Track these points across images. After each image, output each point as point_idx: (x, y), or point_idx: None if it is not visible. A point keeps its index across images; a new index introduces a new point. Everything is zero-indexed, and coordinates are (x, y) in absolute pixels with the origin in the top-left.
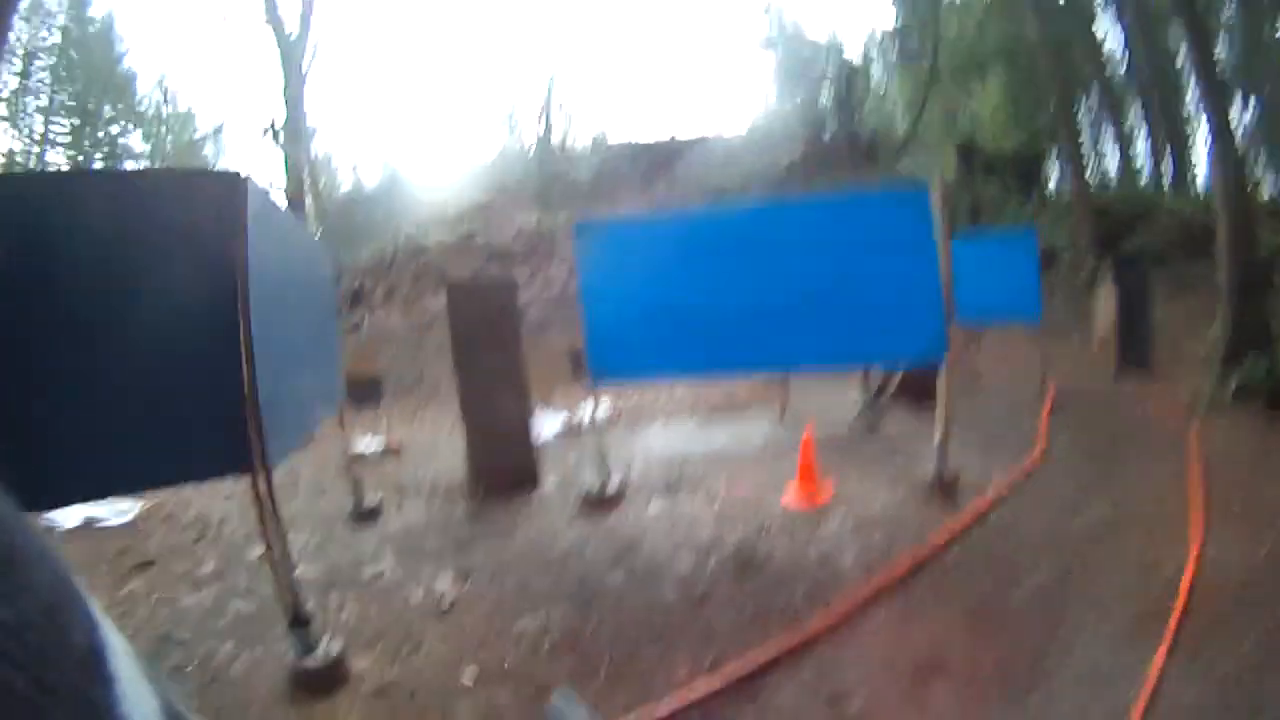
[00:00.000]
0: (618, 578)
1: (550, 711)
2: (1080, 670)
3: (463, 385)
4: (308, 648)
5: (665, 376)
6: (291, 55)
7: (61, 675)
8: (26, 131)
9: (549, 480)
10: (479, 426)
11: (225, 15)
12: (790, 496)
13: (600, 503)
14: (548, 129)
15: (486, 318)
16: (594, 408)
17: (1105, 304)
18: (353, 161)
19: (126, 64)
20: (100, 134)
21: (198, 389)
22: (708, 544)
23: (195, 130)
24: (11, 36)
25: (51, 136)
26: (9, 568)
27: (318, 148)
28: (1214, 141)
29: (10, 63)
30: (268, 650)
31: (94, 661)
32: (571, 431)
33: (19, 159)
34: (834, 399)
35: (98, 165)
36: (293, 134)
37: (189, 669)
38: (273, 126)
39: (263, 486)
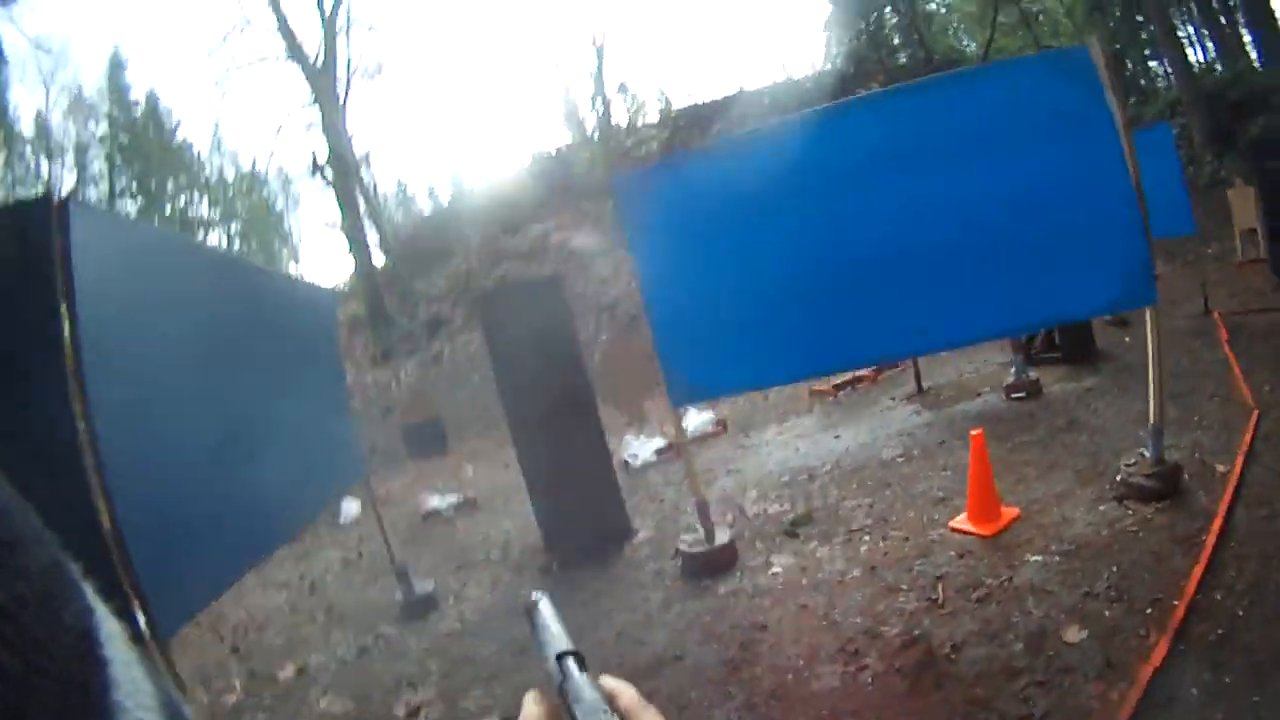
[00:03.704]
0: (730, 710)
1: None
2: None
3: (514, 427)
4: None
5: (768, 384)
6: (322, 86)
7: (53, 658)
8: None
9: (643, 530)
10: (542, 478)
11: (251, 60)
12: (962, 525)
13: (704, 564)
14: (606, 107)
15: (530, 332)
16: (683, 423)
17: (1241, 205)
18: (428, 184)
19: (181, 135)
20: (168, 209)
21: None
22: (859, 632)
23: (266, 187)
24: (59, 134)
25: None
26: (5, 551)
27: (379, 175)
28: None
29: (63, 161)
30: None
31: (87, 645)
32: (676, 451)
33: None
34: (970, 356)
35: None
36: (339, 166)
37: None
38: (314, 161)
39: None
